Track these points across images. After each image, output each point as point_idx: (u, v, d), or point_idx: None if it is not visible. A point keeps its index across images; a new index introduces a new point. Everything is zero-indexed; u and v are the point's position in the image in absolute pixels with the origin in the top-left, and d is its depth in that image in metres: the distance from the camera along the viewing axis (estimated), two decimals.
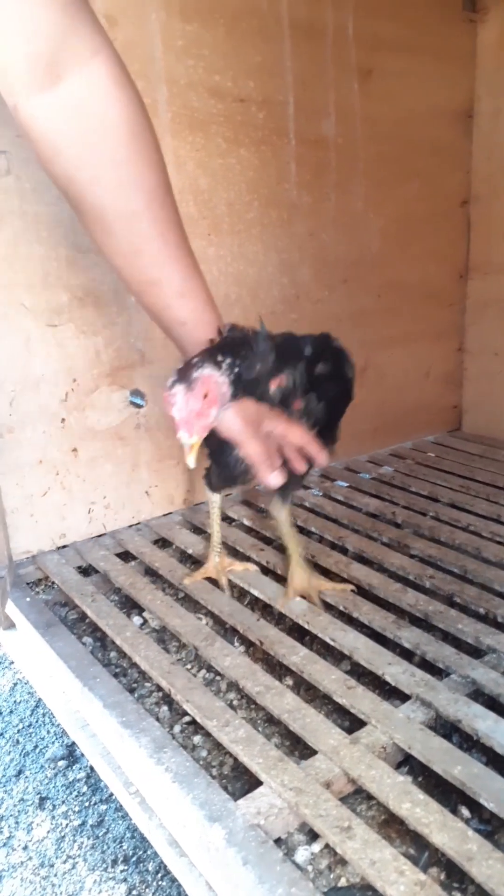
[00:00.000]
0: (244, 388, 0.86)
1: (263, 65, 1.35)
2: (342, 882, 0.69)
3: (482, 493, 1.47)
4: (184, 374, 0.81)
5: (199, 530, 1.38)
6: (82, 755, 1.24)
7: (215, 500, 1.17)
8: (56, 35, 0.69)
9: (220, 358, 0.83)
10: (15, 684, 1.50)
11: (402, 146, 1.61)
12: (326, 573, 1.18)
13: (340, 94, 1.48)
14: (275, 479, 0.89)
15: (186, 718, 0.93)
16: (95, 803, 1.18)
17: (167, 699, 0.97)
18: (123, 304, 1.27)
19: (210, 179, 1.33)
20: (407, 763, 0.81)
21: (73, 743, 1.23)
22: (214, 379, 0.82)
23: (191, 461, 0.84)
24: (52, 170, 0.77)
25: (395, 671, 0.90)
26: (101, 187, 0.77)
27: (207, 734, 0.88)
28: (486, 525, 1.32)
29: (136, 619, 1.14)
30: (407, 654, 0.97)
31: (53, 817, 1.16)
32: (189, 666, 1.03)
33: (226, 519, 1.42)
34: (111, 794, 1.18)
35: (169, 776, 0.77)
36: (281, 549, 1.28)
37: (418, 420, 1.84)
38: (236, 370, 0.84)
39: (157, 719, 0.93)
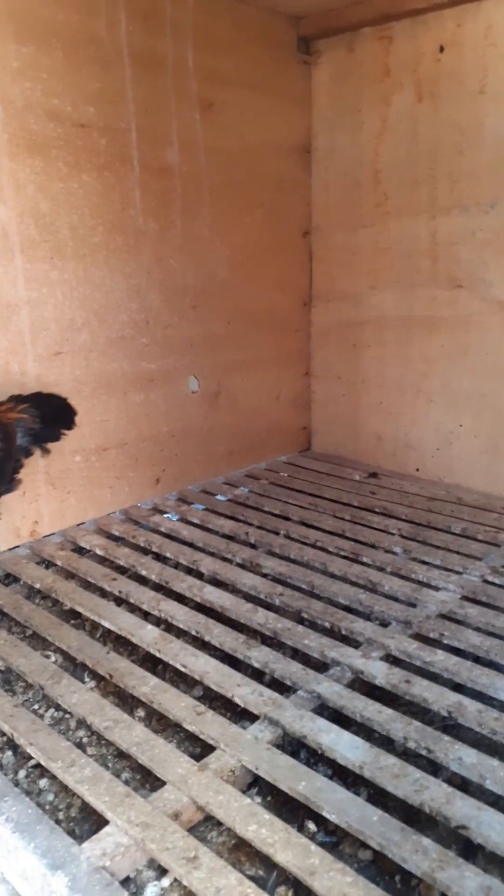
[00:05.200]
0: None
1: (104, 92, 1.35)
2: None
3: (329, 509, 1.53)
4: None
5: (49, 563, 1.33)
6: None
7: None
8: None
9: None
10: None
11: (245, 177, 1.66)
12: (180, 598, 1.17)
13: (183, 124, 1.50)
14: None
15: (32, 762, 0.89)
16: None
17: (11, 744, 0.92)
18: None
19: (52, 203, 1.31)
20: (256, 784, 0.82)
21: None
22: None
23: None
24: None
25: (245, 692, 0.91)
26: None
27: (54, 777, 0.84)
28: (332, 540, 1.37)
29: None
30: (257, 674, 0.98)
31: None
32: (35, 707, 0.98)
33: (77, 549, 1.38)
34: None
35: (9, 826, 0.73)
36: (136, 578, 1.26)
37: (271, 441, 1.88)
38: None
39: (0, 766, 0.88)
